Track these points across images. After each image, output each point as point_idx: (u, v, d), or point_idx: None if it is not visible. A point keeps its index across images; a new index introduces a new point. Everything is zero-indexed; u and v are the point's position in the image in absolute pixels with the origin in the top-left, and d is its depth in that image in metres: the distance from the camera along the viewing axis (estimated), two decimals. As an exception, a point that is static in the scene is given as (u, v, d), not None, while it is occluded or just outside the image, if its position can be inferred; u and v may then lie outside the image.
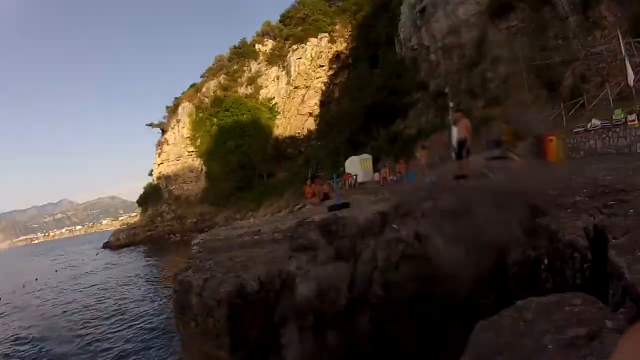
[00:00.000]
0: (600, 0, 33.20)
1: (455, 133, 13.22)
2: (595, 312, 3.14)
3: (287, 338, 7.63)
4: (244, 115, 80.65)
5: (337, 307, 7.03)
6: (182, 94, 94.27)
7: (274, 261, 9.52)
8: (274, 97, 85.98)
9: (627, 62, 20.01)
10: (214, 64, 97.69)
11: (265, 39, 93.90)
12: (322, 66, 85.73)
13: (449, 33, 46.09)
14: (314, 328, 7.17)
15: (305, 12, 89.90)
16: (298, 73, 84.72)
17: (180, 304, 10.23)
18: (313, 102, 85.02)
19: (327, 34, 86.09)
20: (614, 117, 19.42)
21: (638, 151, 17.37)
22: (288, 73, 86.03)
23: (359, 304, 7.05)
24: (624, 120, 18.70)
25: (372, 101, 49.94)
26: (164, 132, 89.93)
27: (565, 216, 6.04)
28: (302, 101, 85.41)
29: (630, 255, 3.76)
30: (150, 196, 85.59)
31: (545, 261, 5.65)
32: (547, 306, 3.33)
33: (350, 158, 40.32)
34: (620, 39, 21.28)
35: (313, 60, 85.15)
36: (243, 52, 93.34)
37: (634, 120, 18.14)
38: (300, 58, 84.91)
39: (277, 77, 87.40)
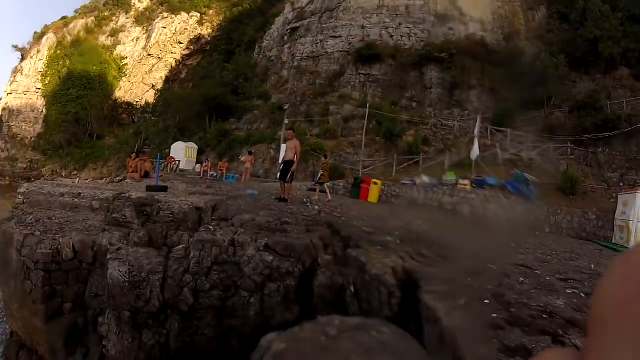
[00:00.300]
0: (473, 88, 37.57)
1: (284, 151, 13.26)
2: (412, 351, 3.24)
3: (106, 329, 7.34)
4: (95, 67, 75.38)
5: (150, 308, 6.75)
6: (52, 23, 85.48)
7: (89, 230, 9.22)
8: (127, 58, 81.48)
9: (476, 140, 22.50)
10: (90, 3, 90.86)
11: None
12: (181, 43, 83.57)
13: (309, 58, 47.68)
14: (131, 325, 6.85)
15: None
16: (157, 42, 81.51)
17: (2, 258, 9.59)
18: (159, 76, 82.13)
19: (198, 15, 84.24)
20: (444, 177, 21.89)
21: (463, 211, 19.89)
22: (148, 38, 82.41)
23: (170, 308, 6.84)
24: (454, 182, 21.17)
25: (213, 93, 49.84)
26: (23, 58, 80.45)
27: (375, 252, 6.39)
28: (150, 71, 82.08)
29: (448, 304, 4.04)
30: (-8, 128, 75.82)
31: (352, 288, 5.92)
32: (352, 327, 3.37)
33: (177, 142, 40.04)
34: (478, 121, 23.81)
35: (175, 35, 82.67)
36: (120, 1, 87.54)
37: (466, 184, 20.86)
38: (165, 27, 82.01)
39: (137, 39, 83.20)
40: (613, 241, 17.52)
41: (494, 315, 3.91)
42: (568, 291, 5.19)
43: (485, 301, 4.31)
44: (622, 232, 16.90)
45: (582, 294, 5.11)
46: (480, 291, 4.68)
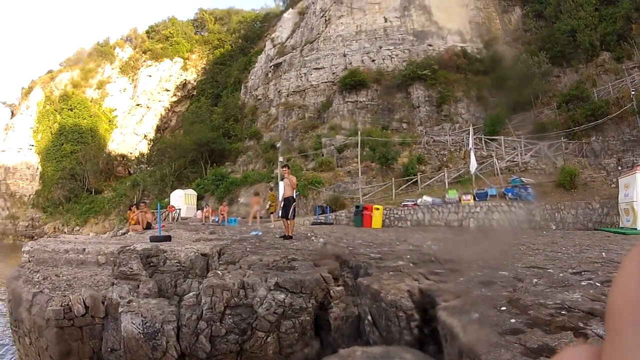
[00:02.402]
0: (460, 100, 37.89)
1: (282, 189, 13.34)
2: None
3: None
4: (85, 120, 75.40)
5: (168, 359, 6.71)
6: (39, 78, 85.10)
7: (98, 285, 9.23)
8: (116, 109, 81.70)
9: (472, 153, 22.59)
10: (74, 55, 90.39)
11: (127, 45, 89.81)
12: (168, 90, 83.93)
13: (295, 93, 48.14)
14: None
15: (171, 32, 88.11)
16: (144, 90, 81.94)
17: (14, 316, 9.69)
18: (150, 125, 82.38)
19: (182, 60, 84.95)
20: (446, 196, 21.96)
21: (470, 225, 20.26)
22: (135, 88, 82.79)
23: (188, 357, 6.80)
24: (457, 199, 21.44)
25: (205, 138, 50.07)
26: (12, 115, 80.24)
27: (388, 278, 6.37)
28: (141, 121, 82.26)
29: (464, 317, 4.02)
30: (-10, 186, 75.23)
31: (369, 317, 5.89)
32: (374, 356, 3.36)
33: (176, 190, 39.85)
34: (471, 133, 23.92)
35: (161, 82, 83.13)
36: (103, 52, 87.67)
37: (469, 200, 21.15)
38: (150, 76, 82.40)
39: (124, 89, 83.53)
40: (620, 225, 17.54)
41: (513, 320, 3.90)
42: (583, 283, 5.21)
43: (502, 308, 4.29)
44: (628, 215, 16.94)
45: (597, 284, 5.13)
46: (496, 299, 4.66)
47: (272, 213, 19.86)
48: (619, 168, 22.68)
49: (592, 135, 27.59)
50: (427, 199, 22.55)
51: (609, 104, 28.21)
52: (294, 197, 12.40)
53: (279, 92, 50.41)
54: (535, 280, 5.51)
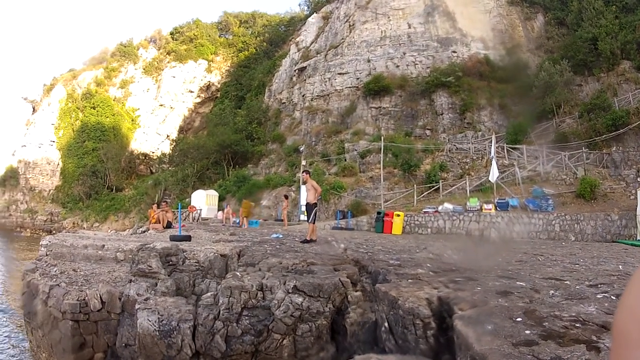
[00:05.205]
0: (483, 108, 37.67)
1: (304, 193, 13.49)
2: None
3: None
4: (108, 119, 76.14)
5: (183, 357, 6.80)
6: (61, 75, 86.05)
7: (115, 282, 9.30)
8: (139, 109, 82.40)
9: (494, 162, 22.36)
10: (98, 55, 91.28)
11: (151, 46, 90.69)
12: (192, 92, 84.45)
13: (319, 97, 48.17)
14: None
15: (195, 34, 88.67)
16: (167, 91, 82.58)
17: (27, 308, 9.79)
18: (173, 126, 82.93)
19: (206, 62, 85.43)
20: (467, 204, 21.74)
21: (492, 235, 19.97)
22: (159, 88, 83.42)
23: (203, 356, 6.88)
24: (479, 207, 21.19)
25: (228, 140, 50.41)
26: (34, 111, 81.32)
27: (406, 285, 6.37)
28: (164, 121, 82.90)
29: (479, 327, 4.04)
30: (9, 179, 76.84)
31: (386, 324, 5.89)
32: None
33: (197, 191, 40.14)
34: (493, 142, 23.70)
35: (185, 83, 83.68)
36: (126, 52, 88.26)
37: (490, 209, 20.87)
38: (174, 77, 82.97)
39: (148, 89, 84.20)
40: (638, 238, 17.32)
41: (527, 331, 3.90)
42: (599, 296, 5.19)
43: (518, 319, 4.29)
44: (645, 227, 16.71)
45: (612, 297, 5.11)
46: (512, 310, 4.66)
47: (245, 217, 23.70)
48: (638, 179, 22.35)
49: (612, 145, 27.24)
50: (448, 206, 22.37)
51: (629, 114, 27.92)
52: (316, 202, 12.50)
53: (303, 96, 50.50)
54: (552, 292, 5.48)
